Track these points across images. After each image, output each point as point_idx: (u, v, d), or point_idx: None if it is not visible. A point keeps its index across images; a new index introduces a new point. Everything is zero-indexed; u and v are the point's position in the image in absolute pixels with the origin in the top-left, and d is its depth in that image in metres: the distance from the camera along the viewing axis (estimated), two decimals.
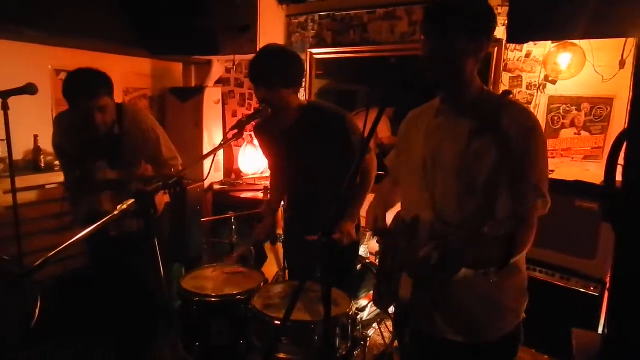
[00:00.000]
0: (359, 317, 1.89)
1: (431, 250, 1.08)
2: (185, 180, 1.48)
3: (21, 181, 2.72)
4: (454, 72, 1.27)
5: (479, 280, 1.22)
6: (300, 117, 1.99)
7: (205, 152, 3.98)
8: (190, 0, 3.08)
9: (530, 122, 1.24)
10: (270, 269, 3.07)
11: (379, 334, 2.87)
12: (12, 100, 1.98)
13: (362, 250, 2.92)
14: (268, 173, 4.08)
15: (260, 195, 3.66)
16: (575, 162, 2.90)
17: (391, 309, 2.54)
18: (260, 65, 1.88)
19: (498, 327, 1.34)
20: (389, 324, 2.92)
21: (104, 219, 1.25)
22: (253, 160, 4.21)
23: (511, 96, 1.33)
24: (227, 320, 1.85)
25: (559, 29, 2.44)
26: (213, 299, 1.87)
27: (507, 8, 2.64)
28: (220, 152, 4.26)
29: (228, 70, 4.39)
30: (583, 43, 2.75)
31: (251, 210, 3.29)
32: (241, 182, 4.16)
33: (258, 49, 2.08)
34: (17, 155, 3.02)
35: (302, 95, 3.72)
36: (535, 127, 1.24)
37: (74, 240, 1.18)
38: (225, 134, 4.24)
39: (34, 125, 3.12)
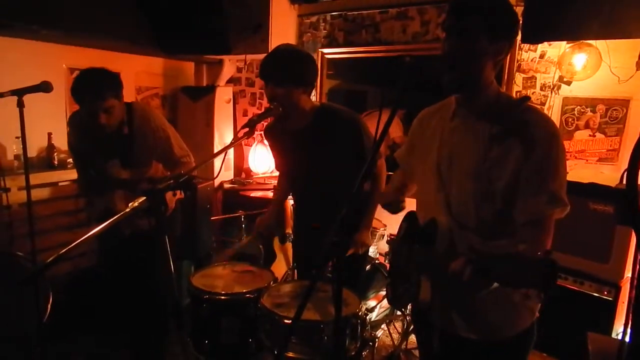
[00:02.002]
0: (367, 317, 1.88)
1: (462, 266, 1.06)
2: (195, 179, 1.48)
3: (35, 178, 2.75)
4: (471, 72, 1.25)
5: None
6: (313, 119, 1.98)
7: (215, 150, 4.00)
8: (203, 0, 3.10)
9: (554, 129, 1.23)
10: (280, 268, 3.08)
11: (387, 335, 2.86)
12: (27, 98, 2.00)
13: (372, 251, 2.91)
14: (278, 172, 4.12)
15: (270, 194, 3.67)
16: (590, 164, 2.85)
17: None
18: (272, 63, 1.88)
19: (515, 325, 1.34)
20: (398, 325, 2.91)
21: (115, 217, 1.26)
22: (263, 160, 4.22)
23: (529, 102, 1.30)
24: (237, 319, 1.85)
25: (574, 29, 2.40)
26: (223, 297, 1.87)
27: (521, 8, 2.61)
28: (231, 151, 4.28)
29: (239, 70, 4.41)
30: (599, 43, 2.70)
31: (261, 209, 3.30)
32: (251, 181, 4.17)
33: (269, 49, 2.08)
34: (31, 152, 3.05)
35: (313, 96, 3.72)
36: (558, 134, 1.24)
37: (86, 237, 1.18)
38: (235, 132, 4.25)
39: (48, 122, 3.16)
